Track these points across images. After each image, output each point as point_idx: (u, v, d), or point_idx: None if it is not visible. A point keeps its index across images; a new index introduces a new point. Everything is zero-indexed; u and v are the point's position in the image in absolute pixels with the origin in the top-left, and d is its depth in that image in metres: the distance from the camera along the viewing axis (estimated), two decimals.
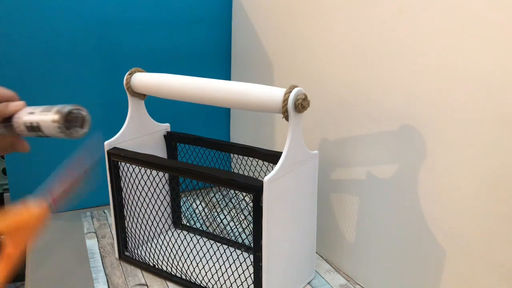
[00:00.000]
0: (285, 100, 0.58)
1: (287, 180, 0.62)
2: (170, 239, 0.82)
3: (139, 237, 0.80)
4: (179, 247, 0.75)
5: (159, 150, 0.84)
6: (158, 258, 0.76)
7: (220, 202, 0.96)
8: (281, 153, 0.60)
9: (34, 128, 0.47)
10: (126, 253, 0.80)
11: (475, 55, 0.51)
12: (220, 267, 0.71)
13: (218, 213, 0.90)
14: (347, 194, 0.75)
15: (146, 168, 0.72)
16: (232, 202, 0.95)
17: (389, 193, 0.66)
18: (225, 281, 0.70)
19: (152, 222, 0.80)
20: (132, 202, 0.76)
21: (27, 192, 0.95)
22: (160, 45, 1.00)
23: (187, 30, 1.02)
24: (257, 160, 0.77)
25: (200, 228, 0.88)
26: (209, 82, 0.66)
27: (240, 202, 0.92)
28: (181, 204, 0.90)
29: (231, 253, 0.72)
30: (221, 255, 0.74)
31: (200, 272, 0.72)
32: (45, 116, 0.46)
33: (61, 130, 0.45)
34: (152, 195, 0.76)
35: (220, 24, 1.05)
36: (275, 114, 0.72)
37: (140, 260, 0.78)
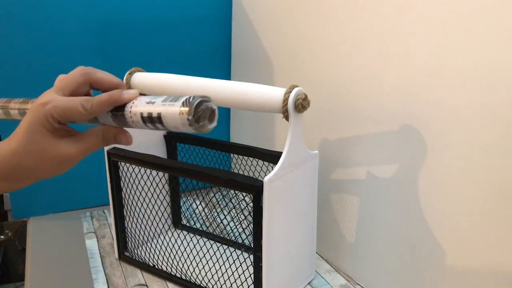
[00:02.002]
0: (285, 100, 0.58)
1: (287, 180, 0.62)
2: (170, 239, 0.82)
3: (139, 237, 0.80)
4: (179, 247, 0.75)
5: (159, 150, 0.84)
6: (158, 258, 0.76)
7: (220, 202, 0.96)
8: (281, 153, 0.60)
9: (153, 119, 0.42)
10: (126, 253, 0.79)
11: (475, 55, 0.51)
12: (220, 267, 0.71)
13: (218, 213, 0.90)
14: (347, 194, 0.75)
15: (146, 168, 0.72)
16: (232, 202, 0.95)
17: (390, 193, 0.66)
18: (225, 281, 0.70)
19: (152, 222, 0.80)
20: (132, 202, 0.76)
21: (26, 191, 0.95)
22: (160, 45, 1.00)
23: (187, 30, 1.01)
24: (257, 160, 0.77)
25: (200, 228, 0.88)
26: (209, 82, 0.66)
27: (240, 202, 0.92)
28: (181, 204, 0.90)
29: (231, 253, 0.72)
30: (221, 255, 0.74)
31: (200, 272, 0.72)
32: (170, 107, 0.41)
33: (190, 123, 0.40)
34: (152, 195, 0.76)
35: (220, 24, 1.05)
36: (275, 114, 0.71)
37: (140, 260, 0.78)
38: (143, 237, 0.80)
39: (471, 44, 0.51)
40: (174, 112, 0.41)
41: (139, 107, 0.43)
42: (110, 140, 0.47)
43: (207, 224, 0.90)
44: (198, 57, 1.04)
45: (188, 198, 0.98)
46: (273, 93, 0.59)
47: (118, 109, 0.45)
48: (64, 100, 0.44)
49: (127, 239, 0.79)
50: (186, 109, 0.40)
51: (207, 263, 0.72)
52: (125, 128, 0.47)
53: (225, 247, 0.81)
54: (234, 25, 1.05)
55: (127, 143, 0.48)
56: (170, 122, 0.42)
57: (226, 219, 0.85)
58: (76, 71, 0.48)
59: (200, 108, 0.41)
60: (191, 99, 0.41)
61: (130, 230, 0.78)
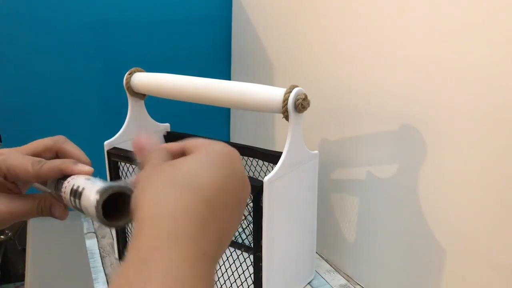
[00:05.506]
0: (285, 100, 0.58)
1: (287, 180, 0.62)
2: None
3: None
4: None
5: None
6: None
7: None
8: (281, 153, 0.60)
9: (76, 193, 0.39)
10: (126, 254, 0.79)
11: (475, 55, 0.51)
12: (220, 267, 0.71)
13: None
14: (347, 194, 0.75)
15: None
16: None
17: (389, 193, 0.66)
18: (225, 281, 0.70)
19: None
20: None
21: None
22: (160, 45, 1.00)
23: (187, 30, 1.01)
24: (257, 160, 0.77)
25: None
26: (209, 82, 0.65)
27: None
28: None
29: (231, 253, 0.72)
30: None
31: None
32: (92, 185, 0.38)
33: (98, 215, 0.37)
34: None
35: (220, 24, 1.05)
36: (275, 114, 0.71)
37: None
38: None
39: (471, 44, 0.51)
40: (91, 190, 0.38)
41: (76, 179, 0.40)
42: (45, 210, 0.44)
43: None
44: (198, 57, 1.04)
45: None
46: (273, 93, 0.59)
47: (64, 179, 0.41)
48: (18, 156, 0.41)
49: (127, 239, 0.79)
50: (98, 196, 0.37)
51: None
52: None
53: None
54: (234, 25, 1.05)
55: (61, 217, 0.45)
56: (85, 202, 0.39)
57: None
58: (47, 138, 0.44)
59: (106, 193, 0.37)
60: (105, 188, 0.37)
61: (130, 230, 0.78)
